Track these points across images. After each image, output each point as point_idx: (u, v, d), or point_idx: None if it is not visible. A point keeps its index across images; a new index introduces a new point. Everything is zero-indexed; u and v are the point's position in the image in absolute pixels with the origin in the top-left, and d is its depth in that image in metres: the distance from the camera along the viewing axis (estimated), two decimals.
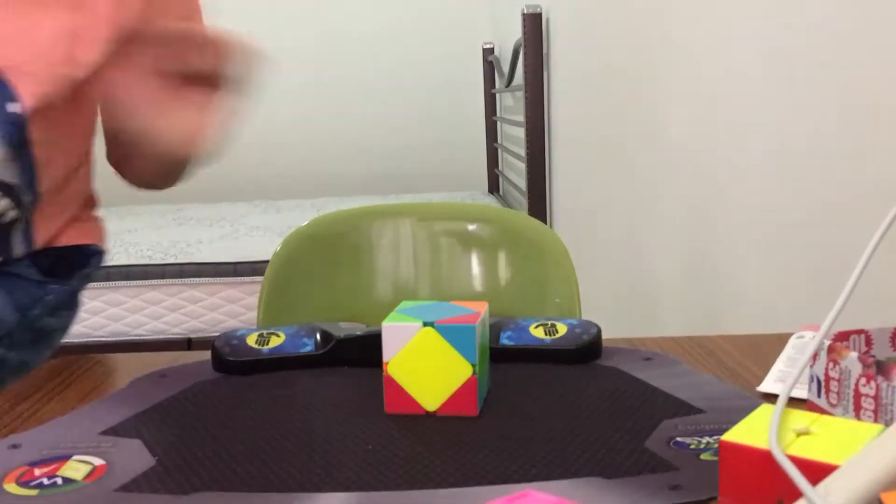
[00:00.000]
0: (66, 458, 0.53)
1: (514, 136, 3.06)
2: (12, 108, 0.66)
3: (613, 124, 1.85)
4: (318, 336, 0.71)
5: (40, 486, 0.49)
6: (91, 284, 2.39)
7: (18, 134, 0.68)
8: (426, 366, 0.58)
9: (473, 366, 0.57)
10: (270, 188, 4.03)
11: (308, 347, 0.70)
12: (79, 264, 0.84)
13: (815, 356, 0.55)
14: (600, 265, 2.00)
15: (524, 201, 2.51)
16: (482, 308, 0.61)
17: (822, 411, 0.53)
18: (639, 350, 0.72)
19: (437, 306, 0.61)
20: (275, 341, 0.71)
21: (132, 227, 2.92)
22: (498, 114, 3.75)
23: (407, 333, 0.58)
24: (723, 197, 1.22)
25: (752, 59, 1.09)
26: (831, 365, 0.53)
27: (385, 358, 0.58)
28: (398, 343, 0.58)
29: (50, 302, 0.81)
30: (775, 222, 1.04)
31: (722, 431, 0.46)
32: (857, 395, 0.51)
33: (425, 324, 0.57)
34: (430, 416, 0.58)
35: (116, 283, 2.40)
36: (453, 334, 0.57)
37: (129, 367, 0.73)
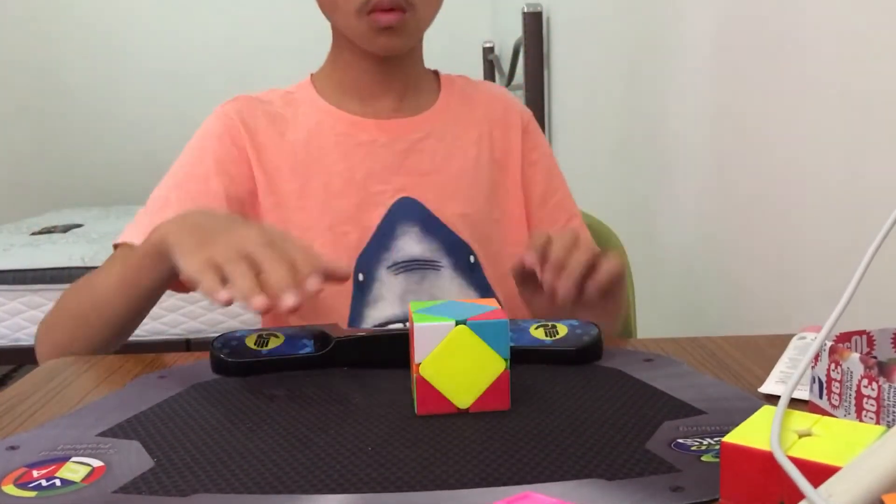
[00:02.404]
0: (65, 459, 0.53)
1: None
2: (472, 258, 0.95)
3: (614, 123, 1.85)
4: (318, 337, 0.71)
5: (38, 487, 0.49)
6: None
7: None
8: (459, 364, 0.57)
9: (506, 360, 0.58)
10: None
11: (307, 349, 0.70)
12: None
13: (816, 357, 0.54)
14: None
15: None
16: (494, 303, 0.61)
17: (823, 413, 0.53)
18: (640, 351, 0.72)
19: (451, 305, 0.61)
20: (274, 342, 0.71)
21: None
22: None
23: (439, 333, 0.57)
24: (724, 197, 1.22)
25: (752, 58, 1.09)
26: (833, 366, 0.53)
27: (417, 359, 0.57)
28: (430, 343, 0.57)
29: None
30: (777, 223, 1.04)
31: (723, 433, 0.46)
32: (859, 397, 0.51)
33: (458, 322, 0.57)
34: (429, 416, 0.58)
35: None
36: (487, 331, 0.57)
37: (127, 369, 0.73)
